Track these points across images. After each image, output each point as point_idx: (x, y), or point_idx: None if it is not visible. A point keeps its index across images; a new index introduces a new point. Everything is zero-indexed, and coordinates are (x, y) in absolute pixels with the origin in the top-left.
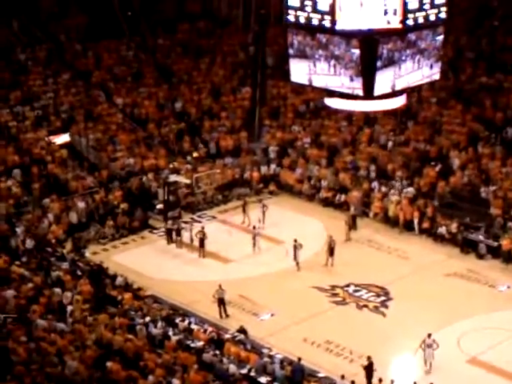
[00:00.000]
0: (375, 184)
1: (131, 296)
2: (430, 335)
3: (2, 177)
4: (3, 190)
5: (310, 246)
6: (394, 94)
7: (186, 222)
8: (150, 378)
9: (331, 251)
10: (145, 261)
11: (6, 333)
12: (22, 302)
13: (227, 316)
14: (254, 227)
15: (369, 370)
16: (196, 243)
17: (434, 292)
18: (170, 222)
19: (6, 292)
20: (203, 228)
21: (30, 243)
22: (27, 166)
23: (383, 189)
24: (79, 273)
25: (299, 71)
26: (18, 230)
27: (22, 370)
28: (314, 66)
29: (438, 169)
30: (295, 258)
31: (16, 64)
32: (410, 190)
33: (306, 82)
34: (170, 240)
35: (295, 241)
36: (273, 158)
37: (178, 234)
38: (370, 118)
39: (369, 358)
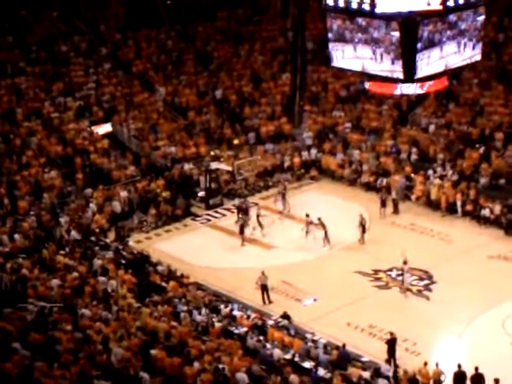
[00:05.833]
0: (430, 172)
1: (175, 283)
2: (405, 262)
3: (46, 167)
4: (47, 181)
5: (353, 230)
6: (435, 76)
7: (227, 209)
8: (196, 364)
9: (363, 228)
10: (188, 248)
11: (52, 322)
12: (67, 292)
13: (270, 302)
14: (308, 215)
15: (391, 344)
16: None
17: (478, 275)
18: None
19: (51, 281)
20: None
21: (73, 233)
22: (70, 157)
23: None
24: (123, 261)
25: (339, 55)
26: (62, 220)
27: (70, 358)
28: (354, 49)
29: (481, 151)
30: (326, 235)
31: (57, 55)
32: (451, 173)
33: (346, 67)
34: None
35: (319, 219)
36: (311, 143)
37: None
38: (410, 101)
39: (391, 333)
